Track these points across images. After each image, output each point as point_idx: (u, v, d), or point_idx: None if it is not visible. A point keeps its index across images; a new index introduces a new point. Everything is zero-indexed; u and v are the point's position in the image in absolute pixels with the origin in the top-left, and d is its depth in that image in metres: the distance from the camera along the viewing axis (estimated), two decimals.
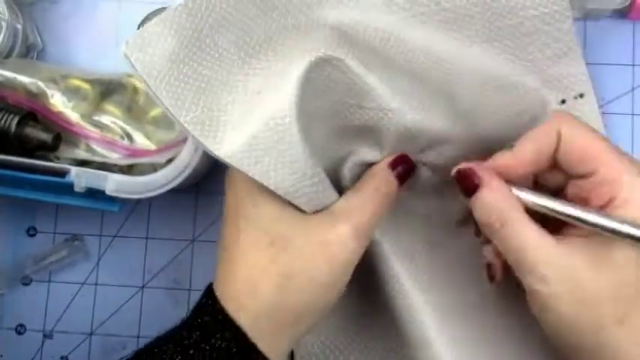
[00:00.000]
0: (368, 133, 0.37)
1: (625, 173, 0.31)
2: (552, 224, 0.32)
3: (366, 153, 0.38)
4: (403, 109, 0.36)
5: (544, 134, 0.33)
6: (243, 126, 0.33)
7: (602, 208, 0.31)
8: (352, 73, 0.35)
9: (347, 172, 0.38)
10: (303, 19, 0.36)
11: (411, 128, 0.36)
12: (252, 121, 0.33)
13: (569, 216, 0.31)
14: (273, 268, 0.31)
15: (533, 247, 0.31)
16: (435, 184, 0.39)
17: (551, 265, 0.30)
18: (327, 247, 0.32)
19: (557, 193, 0.34)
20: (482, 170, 0.33)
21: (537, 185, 0.35)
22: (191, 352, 0.30)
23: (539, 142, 0.33)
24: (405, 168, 0.37)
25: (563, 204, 0.32)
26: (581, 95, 0.40)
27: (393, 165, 0.36)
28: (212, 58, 0.35)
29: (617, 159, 0.31)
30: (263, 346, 0.31)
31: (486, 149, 0.37)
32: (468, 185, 0.33)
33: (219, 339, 0.30)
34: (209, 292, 0.33)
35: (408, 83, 0.36)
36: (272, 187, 0.32)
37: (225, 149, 0.33)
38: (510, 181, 0.33)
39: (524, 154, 0.33)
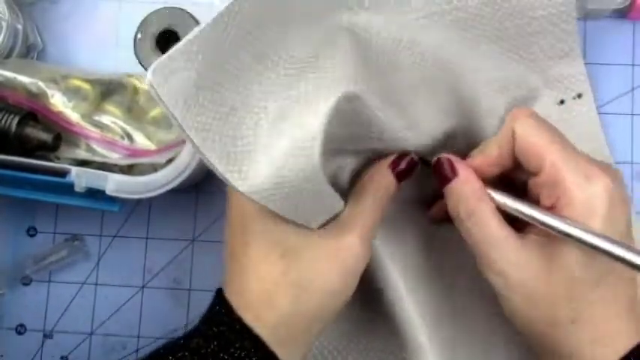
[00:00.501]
0: (377, 152, 0.37)
1: (569, 173, 0.31)
2: (519, 222, 0.33)
3: (372, 158, 0.38)
4: (419, 136, 0.37)
5: (504, 133, 0.34)
6: (266, 159, 0.32)
7: (550, 209, 0.31)
8: (373, 109, 0.34)
9: (346, 177, 0.38)
10: (322, 30, 0.35)
11: (417, 145, 0.37)
12: (276, 155, 0.31)
13: (524, 215, 0.32)
14: (286, 280, 0.32)
15: (495, 242, 0.32)
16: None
17: (510, 263, 0.31)
18: (337, 256, 0.32)
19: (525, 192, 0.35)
20: (459, 162, 0.34)
21: (509, 184, 0.35)
22: None
23: (500, 141, 0.34)
24: (405, 166, 0.37)
25: (522, 204, 0.32)
26: (579, 95, 0.40)
27: (393, 165, 0.36)
28: (233, 77, 0.33)
29: (563, 159, 0.31)
30: (282, 354, 0.31)
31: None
32: (443, 174, 0.34)
33: (239, 349, 0.31)
34: (222, 301, 0.33)
35: (415, 98, 0.37)
36: (300, 221, 0.32)
37: (249, 184, 0.31)
38: (483, 180, 0.34)
39: (490, 154, 0.34)
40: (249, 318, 0.32)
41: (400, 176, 0.36)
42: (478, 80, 0.38)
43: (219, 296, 0.33)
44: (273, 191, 0.31)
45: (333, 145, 0.35)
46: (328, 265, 0.32)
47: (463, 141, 0.39)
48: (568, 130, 0.35)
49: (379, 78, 0.36)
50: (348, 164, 0.38)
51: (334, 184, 0.37)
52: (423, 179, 0.38)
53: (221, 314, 0.32)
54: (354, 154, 0.37)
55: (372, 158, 0.37)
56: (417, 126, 0.37)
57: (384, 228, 0.39)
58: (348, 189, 0.37)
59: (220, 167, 0.31)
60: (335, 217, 0.34)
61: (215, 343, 0.31)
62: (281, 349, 0.31)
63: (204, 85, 0.31)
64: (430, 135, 0.38)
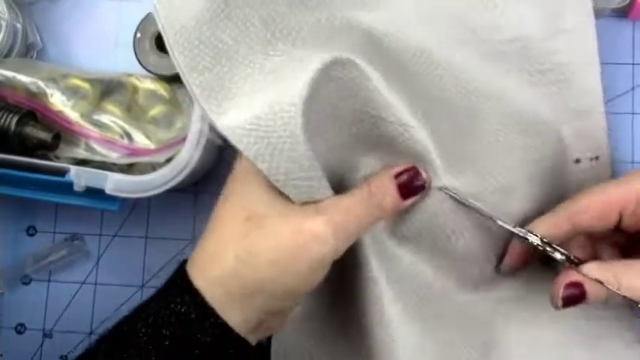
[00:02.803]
0: (386, 146, 0.36)
1: None
2: None
3: (380, 164, 0.37)
4: (424, 128, 0.35)
5: (624, 190, 0.34)
6: (250, 104, 0.33)
7: None
8: (375, 84, 0.34)
9: (355, 179, 0.37)
10: (339, 17, 0.35)
11: (430, 150, 0.35)
12: (260, 102, 0.32)
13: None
14: (243, 243, 0.31)
15: None
16: (445, 211, 0.37)
17: None
18: (298, 235, 0.31)
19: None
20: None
21: None
22: (152, 318, 0.31)
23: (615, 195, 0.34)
24: (409, 179, 0.35)
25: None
26: (597, 158, 0.39)
27: (399, 175, 0.35)
28: (237, 29, 0.34)
29: None
30: (220, 312, 0.31)
31: (501, 189, 0.36)
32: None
33: (179, 303, 0.31)
34: (180, 263, 0.33)
35: (429, 105, 0.36)
36: (265, 171, 0.32)
37: (225, 121, 0.32)
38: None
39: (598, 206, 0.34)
40: (194, 272, 0.32)
41: (405, 191, 0.35)
42: (495, 117, 0.37)
43: (183, 260, 0.34)
44: (248, 131, 0.31)
45: (335, 127, 0.35)
46: (285, 241, 0.31)
47: (474, 169, 0.37)
48: (578, 191, 0.35)
49: (390, 69, 0.35)
50: (361, 168, 0.37)
51: (339, 182, 0.37)
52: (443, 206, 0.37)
53: (173, 274, 0.33)
54: (366, 153, 0.37)
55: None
56: (422, 117, 0.36)
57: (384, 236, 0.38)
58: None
59: (202, 96, 0.33)
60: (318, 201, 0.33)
61: (160, 299, 0.31)
62: (220, 308, 0.31)
63: (205, 21, 0.33)
64: (435, 135, 0.36)
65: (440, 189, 0.36)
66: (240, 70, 0.34)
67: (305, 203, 0.33)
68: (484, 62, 0.37)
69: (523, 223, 0.36)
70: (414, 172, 0.35)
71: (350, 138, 0.36)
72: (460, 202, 0.36)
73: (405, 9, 0.37)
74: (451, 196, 0.36)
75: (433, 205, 0.36)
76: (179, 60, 0.33)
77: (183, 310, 0.31)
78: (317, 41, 0.35)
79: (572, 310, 0.34)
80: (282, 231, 0.31)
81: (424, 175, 0.35)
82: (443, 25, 0.37)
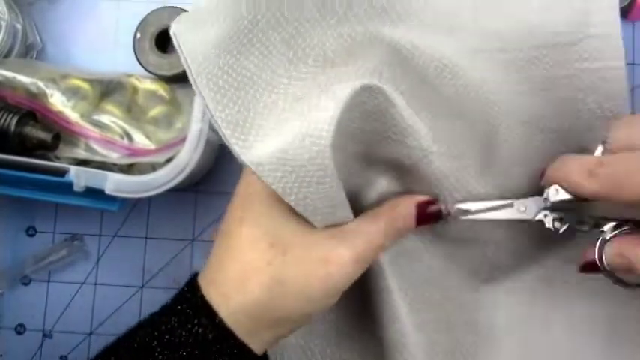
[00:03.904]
0: (405, 168, 0.36)
1: None
2: None
3: (399, 186, 0.37)
4: (443, 155, 0.35)
5: None
6: (276, 135, 0.32)
7: None
8: (398, 110, 0.34)
9: (373, 196, 0.37)
10: (361, 31, 0.35)
11: (449, 176, 0.35)
12: (286, 133, 0.32)
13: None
14: (267, 270, 0.31)
15: None
16: (453, 236, 0.38)
17: None
18: (325, 265, 0.31)
19: None
20: None
21: None
22: (167, 337, 0.31)
23: None
24: (430, 215, 0.35)
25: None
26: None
27: (420, 207, 0.35)
28: (260, 54, 0.34)
29: None
30: (240, 337, 0.31)
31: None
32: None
33: (197, 325, 0.31)
34: (191, 280, 0.33)
35: (450, 125, 0.36)
36: (291, 203, 0.31)
37: (252, 155, 0.31)
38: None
39: None
40: (216, 296, 0.31)
41: (421, 220, 0.35)
42: (520, 126, 0.36)
43: (193, 276, 0.33)
44: (275, 166, 0.30)
45: (355, 146, 0.35)
46: (313, 270, 0.31)
47: (494, 187, 0.37)
48: None
49: (413, 86, 0.35)
50: (377, 183, 0.37)
51: (355, 197, 0.36)
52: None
53: (188, 292, 0.32)
54: (383, 171, 0.37)
55: (402, 193, 0.36)
56: (444, 144, 0.36)
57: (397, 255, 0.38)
58: (367, 208, 0.36)
59: (227, 132, 0.32)
60: (340, 226, 0.33)
61: (175, 319, 0.31)
62: (245, 334, 0.31)
63: (227, 49, 0.32)
64: (454, 162, 0.36)
65: (457, 212, 0.36)
66: (265, 97, 0.34)
67: (327, 226, 0.33)
68: (508, 71, 0.37)
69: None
70: (436, 209, 0.36)
71: (364, 157, 0.36)
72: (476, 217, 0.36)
73: (427, 21, 0.36)
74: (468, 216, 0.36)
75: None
76: (204, 94, 0.32)
77: (200, 331, 0.30)
78: (340, 58, 0.35)
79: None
80: (308, 260, 0.32)
81: (442, 207, 0.36)
82: (466, 35, 0.36)
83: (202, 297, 0.31)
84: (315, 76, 0.34)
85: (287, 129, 0.32)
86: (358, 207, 0.36)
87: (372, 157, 0.36)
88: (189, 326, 0.31)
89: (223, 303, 0.31)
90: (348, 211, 0.33)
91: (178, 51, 0.32)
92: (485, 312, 0.40)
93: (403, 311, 0.37)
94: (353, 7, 0.35)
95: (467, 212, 0.36)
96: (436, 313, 0.39)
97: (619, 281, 0.32)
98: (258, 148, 0.32)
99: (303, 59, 0.35)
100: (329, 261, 0.31)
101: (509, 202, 0.35)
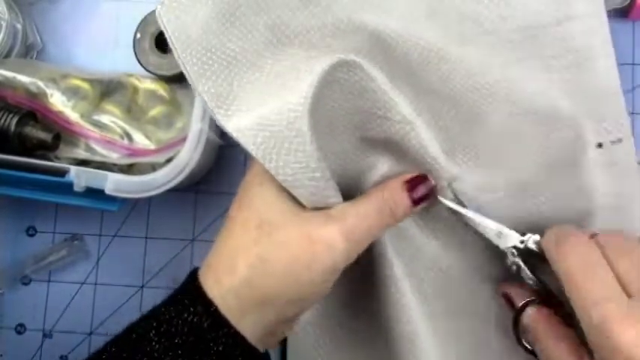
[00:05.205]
0: (395, 149, 0.36)
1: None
2: None
3: (391, 168, 0.37)
4: (430, 126, 0.36)
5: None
6: (257, 106, 0.34)
7: None
8: (379, 84, 0.34)
9: (368, 183, 0.37)
10: (345, 20, 0.36)
11: (437, 147, 0.36)
12: (268, 104, 0.33)
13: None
14: (254, 249, 0.31)
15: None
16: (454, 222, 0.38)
17: None
18: (310, 243, 0.31)
19: None
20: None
21: None
22: (164, 326, 0.31)
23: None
24: (421, 188, 0.35)
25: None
26: (619, 140, 0.38)
27: (409, 183, 0.35)
28: (244, 36, 0.35)
29: None
30: (233, 322, 0.31)
31: (514, 182, 0.36)
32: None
33: (192, 313, 0.31)
34: (192, 271, 0.33)
35: (432, 101, 0.36)
36: (272, 171, 0.32)
37: (233, 123, 0.33)
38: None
39: None
40: (210, 281, 0.32)
41: (415, 198, 0.35)
42: (506, 105, 0.37)
43: (195, 268, 0.34)
44: (255, 132, 0.32)
45: (348, 130, 0.36)
46: (296, 248, 0.31)
47: (485, 166, 0.37)
48: (602, 175, 0.36)
49: (394, 68, 0.36)
50: (379, 168, 0.37)
51: (358, 183, 0.37)
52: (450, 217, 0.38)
53: (186, 281, 0.33)
54: (381, 154, 0.37)
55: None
56: (428, 113, 0.36)
57: (402, 244, 0.38)
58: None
59: (211, 104, 0.34)
60: (329, 207, 0.33)
61: (172, 308, 0.31)
62: (234, 318, 0.31)
63: (211, 30, 0.35)
64: (443, 131, 0.37)
65: (448, 187, 0.36)
66: (249, 74, 0.35)
67: (316, 209, 0.33)
68: (494, 53, 0.37)
69: (539, 219, 0.37)
70: (422, 180, 0.36)
71: (361, 142, 0.37)
72: (456, 208, 0.36)
73: (411, 8, 0.37)
74: (453, 199, 0.36)
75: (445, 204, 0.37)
76: (188, 70, 0.34)
77: (195, 319, 0.31)
78: (323, 43, 0.36)
79: None
80: (294, 239, 0.31)
81: (433, 182, 0.36)
82: (449, 20, 0.37)
83: (199, 286, 0.32)
84: (299, 58, 0.36)
85: (268, 100, 0.34)
86: (353, 196, 0.36)
87: (368, 140, 0.37)
88: (185, 315, 0.31)
89: (216, 287, 0.31)
90: (334, 191, 0.33)
91: (164, 31, 0.34)
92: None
93: (414, 306, 0.38)
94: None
95: (457, 199, 0.36)
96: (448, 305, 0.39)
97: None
98: (240, 116, 0.34)
99: (289, 44, 0.36)
100: (315, 239, 0.31)
101: (495, 223, 0.36)
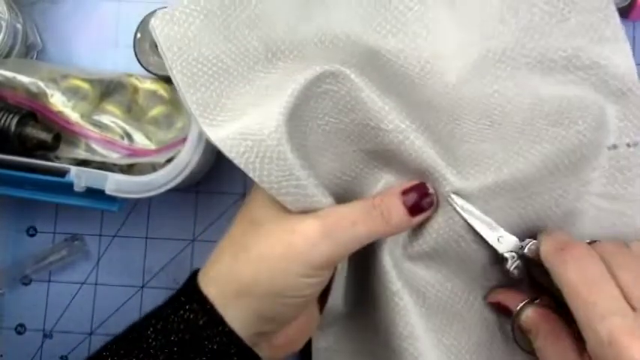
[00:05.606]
0: (395, 159, 0.36)
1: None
2: None
3: (395, 180, 0.37)
4: (421, 133, 0.36)
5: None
6: (242, 116, 0.34)
7: None
8: (368, 94, 0.35)
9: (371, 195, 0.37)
10: (343, 38, 0.36)
11: (434, 154, 0.36)
12: (251, 114, 0.34)
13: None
14: (240, 241, 0.33)
15: None
16: (457, 230, 0.37)
17: None
18: (288, 233, 0.32)
19: None
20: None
21: None
22: (162, 323, 0.31)
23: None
24: (418, 196, 0.35)
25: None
26: (636, 144, 0.38)
27: (405, 190, 0.35)
28: (237, 49, 0.36)
29: None
30: (226, 316, 0.32)
31: (515, 189, 0.36)
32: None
33: (188, 311, 0.31)
34: (194, 271, 0.34)
35: (420, 110, 0.36)
36: (256, 179, 0.32)
37: (217, 133, 0.33)
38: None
39: None
40: (207, 278, 0.33)
41: (412, 205, 0.34)
42: (519, 111, 0.36)
43: (197, 269, 0.34)
44: (238, 141, 0.32)
45: (347, 144, 0.36)
46: (275, 238, 0.32)
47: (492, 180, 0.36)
48: (614, 176, 0.36)
49: (390, 80, 0.36)
50: (383, 180, 0.37)
51: (355, 195, 0.37)
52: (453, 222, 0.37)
53: (186, 280, 0.34)
54: (385, 166, 0.37)
55: None
56: (417, 120, 0.36)
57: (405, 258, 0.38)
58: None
59: (196, 112, 0.35)
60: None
61: (170, 306, 0.32)
62: (225, 310, 0.31)
63: (203, 43, 0.36)
64: (436, 144, 0.36)
65: (448, 197, 0.35)
66: (239, 87, 0.36)
67: (305, 212, 0.33)
68: (499, 63, 0.37)
69: (536, 223, 0.36)
70: (421, 189, 0.35)
71: (362, 154, 0.37)
72: (463, 215, 0.36)
73: (407, 25, 0.36)
74: (454, 208, 0.36)
75: (446, 214, 0.36)
76: (177, 79, 0.35)
77: (191, 317, 0.31)
78: (317, 58, 0.36)
79: None
80: (276, 231, 0.32)
81: (432, 191, 0.35)
82: (456, 32, 0.37)
83: (196, 284, 0.32)
84: (289, 71, 0.36)
85: (252, 111, 0.34)
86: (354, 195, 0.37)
87: (368, 152, 0.37)
88: (182, 312, 0.31)
89: (212, 281, 0.32)
90: (325, 197, 0.34)
91: (156, 42, 0.35)
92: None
93: (415, 317, 0.37)
94: (332, 14, 0.36)
95: (457, 204, 0.36)
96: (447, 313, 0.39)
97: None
98: (224, 126, 0.34)
99: (282, 59, 0.37)
100: (294, 231, 0.32)
101: (495, 225, 0.36)
